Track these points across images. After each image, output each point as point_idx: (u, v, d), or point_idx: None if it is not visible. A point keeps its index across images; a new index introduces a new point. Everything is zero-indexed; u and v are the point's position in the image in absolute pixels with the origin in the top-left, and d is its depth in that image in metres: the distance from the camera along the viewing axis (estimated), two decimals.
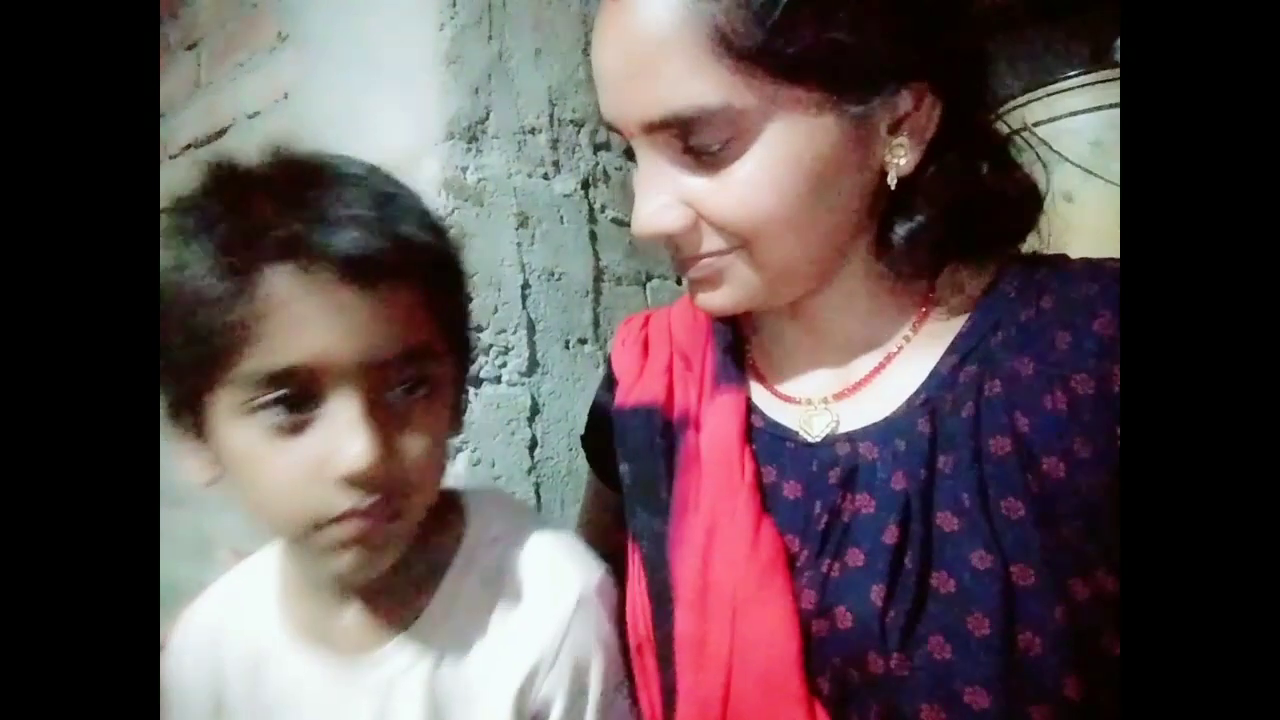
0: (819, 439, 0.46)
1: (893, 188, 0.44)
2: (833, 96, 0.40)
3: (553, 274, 1.01)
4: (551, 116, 1.04)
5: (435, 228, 0.47)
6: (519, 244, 0.97)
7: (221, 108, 1.25)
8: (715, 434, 0.47)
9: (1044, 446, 0.40)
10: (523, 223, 0.98)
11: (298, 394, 0.40)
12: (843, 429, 0.46)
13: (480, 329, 0.92)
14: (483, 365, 0.92)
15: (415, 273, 0.42)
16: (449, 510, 0.50)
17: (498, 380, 0.93)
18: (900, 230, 0.45)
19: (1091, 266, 0.44)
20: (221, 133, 1.25)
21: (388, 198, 0.43)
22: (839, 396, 0.47)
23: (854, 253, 0.47)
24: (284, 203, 0.40)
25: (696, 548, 0.45)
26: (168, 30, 1.40)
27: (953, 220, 0.45)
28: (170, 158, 1.37)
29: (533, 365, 0.97)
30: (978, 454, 0.41)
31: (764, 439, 0.47)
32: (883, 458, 0.43)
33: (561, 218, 1.04)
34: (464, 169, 0.92)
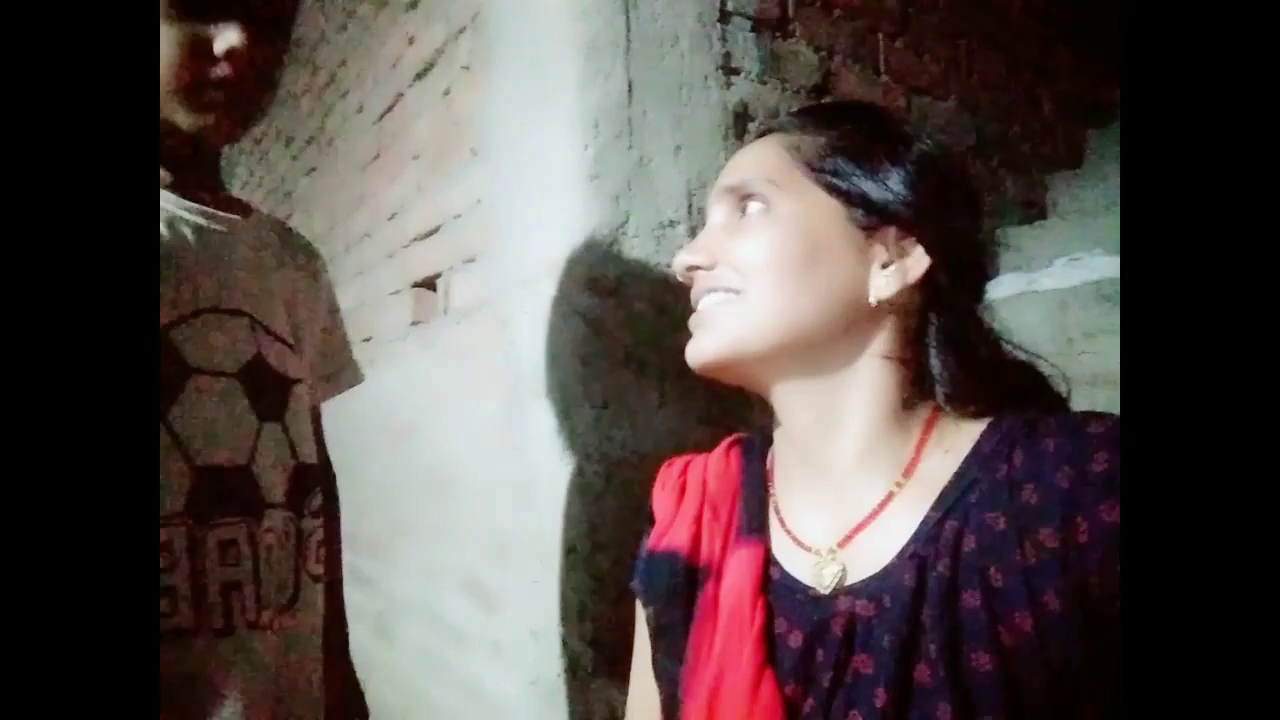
0: (828, 591, 0.50)
1: (871, 305, 0.52)
2: (844, 208, 0.53)
3: None
4: (690, 207, 1.13)
5: None
6: (658, 329, 1.07)
7: (435, 209, 1.50)
8: (732, 586, 0.53)
9: (1015, 600, 0.43)
10: (662, 310, 1.08)
11: None
12: (848, 580, 0.50)
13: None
14: None
15: None
16: None
17: None
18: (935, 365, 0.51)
19: (1058, 421, 0.47)
20: (435, 230, 1.51)
21: None
22: (843, 544, 0.51)
23: (853, 383, 0.52)
24: None
25: (704, 697, 0.51)
26: (399, 142, 1.71)
27: (953, 375, 0.51)
28: (403, 248, 1.67)
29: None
30: (950, 608, 0.44)
31: (779, 591, 0.52)
32: (876, 614, 0.47)
33: None
34: (605, 271, 1.05)
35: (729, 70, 1.22)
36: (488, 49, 1.34)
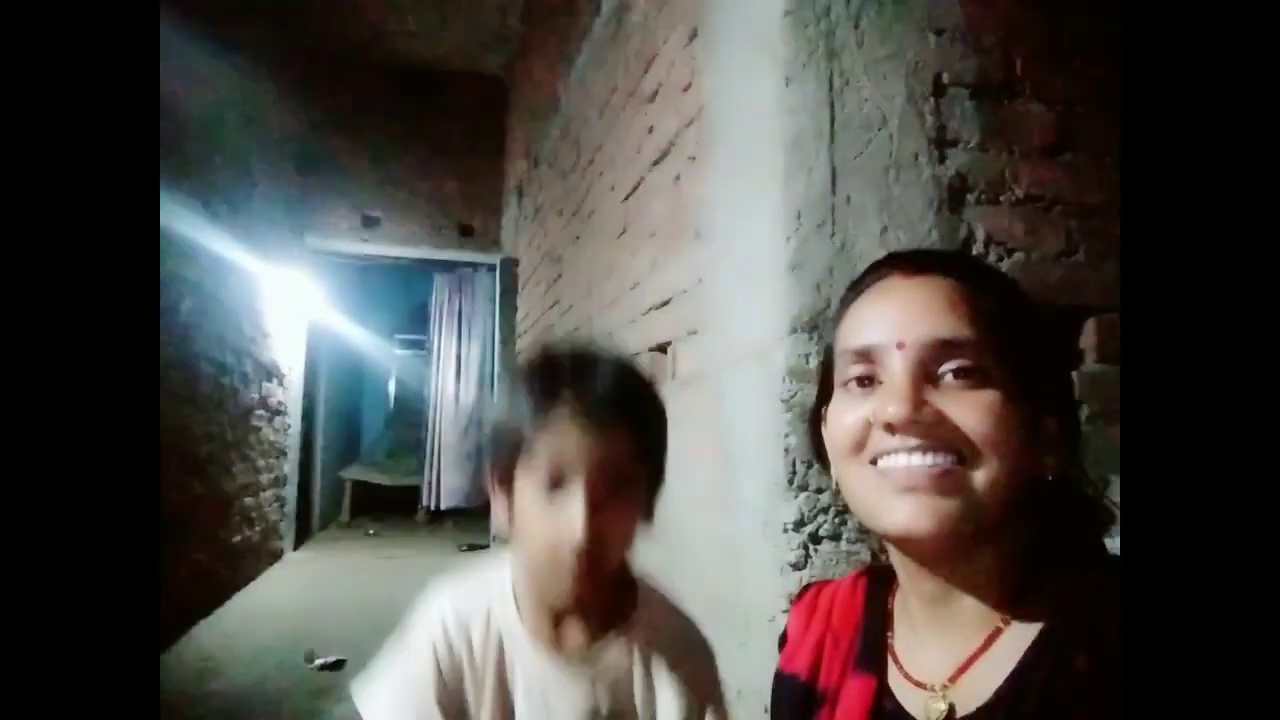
0: None
1: (1049, 478, 0.52)
2: (1014, 380, 0.51)
3: None
4: None
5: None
6: None
7: (665, 284, 1.65)
8: (844, 716, 0.56)
9: None
10: None
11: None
12: (957, 715, 0.51)
13: (820, 490, 1.08)
14: (822, 524, 1.07)
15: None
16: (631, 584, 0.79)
17: (836, 538, 1.07)
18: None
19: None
20: (665, 303, 1.65)
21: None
22: (954, 679, 0.52)
23: (982, 556, 0.52)
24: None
25: None
26: (640, 220, 1.89)
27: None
28: (641, 315, 1.84)
29: None
30: None
31: None
32: None
33: None
34: (805, 356, 1.09)
35: (943, 143, 1.21)
36: (709, 141, 1.45)
